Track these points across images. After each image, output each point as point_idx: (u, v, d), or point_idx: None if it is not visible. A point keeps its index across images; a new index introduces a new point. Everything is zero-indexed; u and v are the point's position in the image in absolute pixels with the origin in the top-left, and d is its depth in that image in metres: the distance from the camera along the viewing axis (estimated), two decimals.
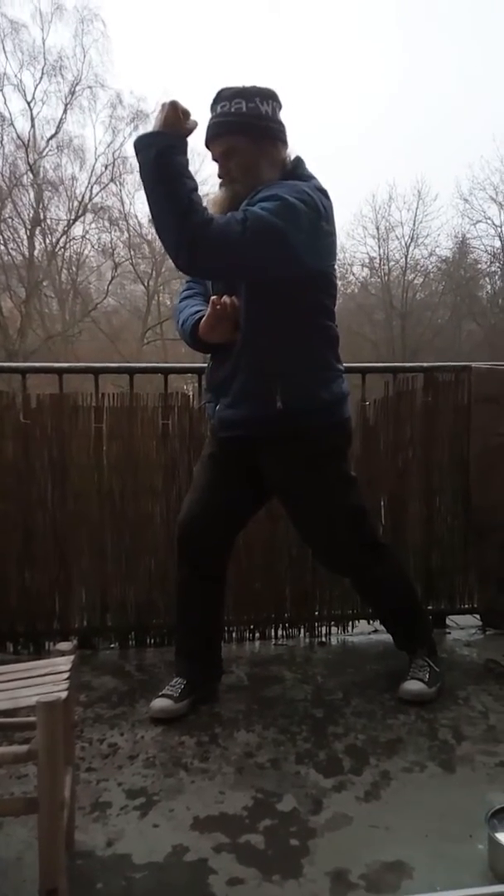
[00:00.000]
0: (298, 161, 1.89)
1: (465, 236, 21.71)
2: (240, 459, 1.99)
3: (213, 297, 1.84)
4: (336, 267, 1.98)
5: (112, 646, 2.47)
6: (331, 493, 1.99)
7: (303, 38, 33.92)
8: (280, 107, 1.86)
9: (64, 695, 1.27)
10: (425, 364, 2.67)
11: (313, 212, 1.76)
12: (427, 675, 2.08)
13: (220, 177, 1.86)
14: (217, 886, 1.37)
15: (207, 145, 1.86)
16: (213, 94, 1.83)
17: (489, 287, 22.47)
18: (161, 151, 1.68)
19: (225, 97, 1.81)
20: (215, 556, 2.11)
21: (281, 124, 1.86)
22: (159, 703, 1.98)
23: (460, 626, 2.65)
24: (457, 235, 21.99)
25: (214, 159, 1.87)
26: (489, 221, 20.91)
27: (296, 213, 1.72)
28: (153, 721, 1.95)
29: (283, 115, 1.88)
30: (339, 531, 2.03)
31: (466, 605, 2.66)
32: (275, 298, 1.82)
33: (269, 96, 1.83)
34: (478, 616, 2.65)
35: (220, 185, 1.87)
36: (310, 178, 1.86)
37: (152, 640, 2.49)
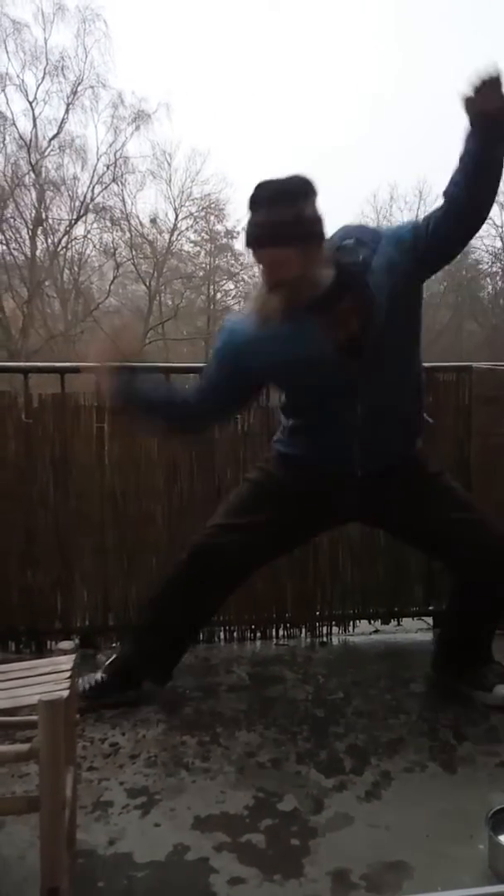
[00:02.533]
0: (332, 244, 1.80)
1: None
2: (324, 502, 1.98)
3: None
4: None
5: (114, 645, 2.47)
6: (459, 489, 2.05)
7: (303, 36, 33.89)
8: (316, 197, 1.75)
9: (65, 693, 1.27)
10: (427, 364, 2.66)
11: None
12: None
13: (267, 284, 1.77)
14: (218, 886, 1.37)
15: (251, 249, 1.78)
16: (253, 189, 1.72)
17: (490, 287, 22.47)
18: None
19: (266, 200, 1.69)
20: (242, 579, 2.11)
21: (321, 220, 1.76)
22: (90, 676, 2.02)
23: None
24: None
25: (259, 263, 1.79)
26: (490, 222, 20.90)
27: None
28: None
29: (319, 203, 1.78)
30: (489, 518, 2.00)
31: None
32: (414, 340, 1.92)
33: (308, 192, 1.73)
34: None
35: (269, 291, 1.78)
36: (353, 235, 1.82)
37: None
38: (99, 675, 2.06)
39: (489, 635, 2.11)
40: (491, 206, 1.79)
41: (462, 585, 2.09)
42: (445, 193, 1.76)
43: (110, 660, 2.10)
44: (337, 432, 1.89)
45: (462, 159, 1.72)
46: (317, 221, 1.74)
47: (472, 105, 1.66)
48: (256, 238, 1.74)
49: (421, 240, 1.78)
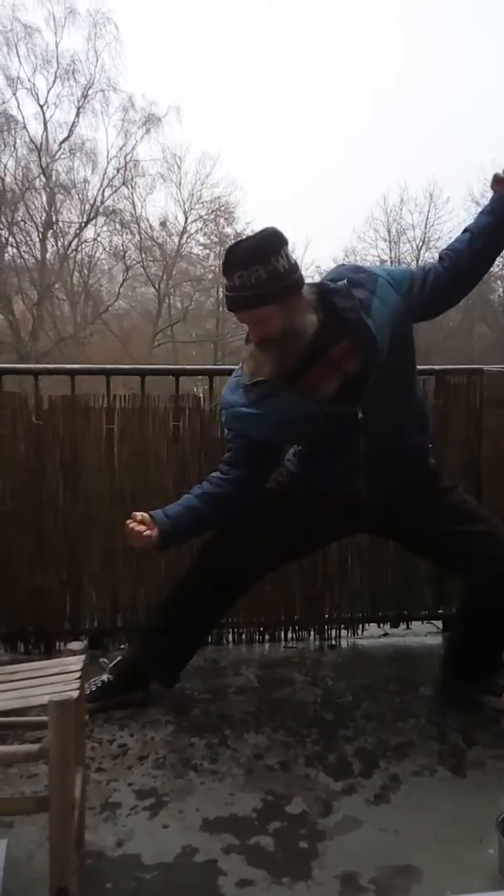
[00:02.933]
0: (320, 289, 1.81)
1: None
2: (332, 514, 1.99)
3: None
4: None
5: (122, 646, 2.47)
6: (460, 492, 2.05)
7: (310, 38, 33.95)
8: (287, 245, 1.77)
9: (75, 694, 1.27)
10: (437, 367, 2.66)
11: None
12: None
13: (257, 343, 1.79)
14: (227, 888, 1.37)
15: (233, 312, 1.80)
16: (224, 256, 1.76)
17: (501, 290, 22.38)
18: None
19: (238, 264, 1.71)
20: (250, 585, 2.12)
21: (297, 268, 1.77)
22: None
23: None
24: None
25: (243, 322, 1.82)
26: None
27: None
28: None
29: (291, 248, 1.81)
30: (490, 522, 1.99)
31: None
32: (411, 374, 1.95)
33: (279, 246, 1.72)
34: None
35: (257, 347, 1.80)
36: (340, 274, 1.82)
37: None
38: (105, 677, 2.06)
39: (500, 641, 2.09)
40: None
41: (473, 591, 2.08)
42: (449, 257, 1.85)
43: (115, 661, 2.11)
44: (342, 464, 1.91)
45: (474, 232, 1.85)
46: (291, 272, 1.74)
47: (499, 186, 1.85)
48: (235, 302, 1.76)
49: (416, 290, 1.83)
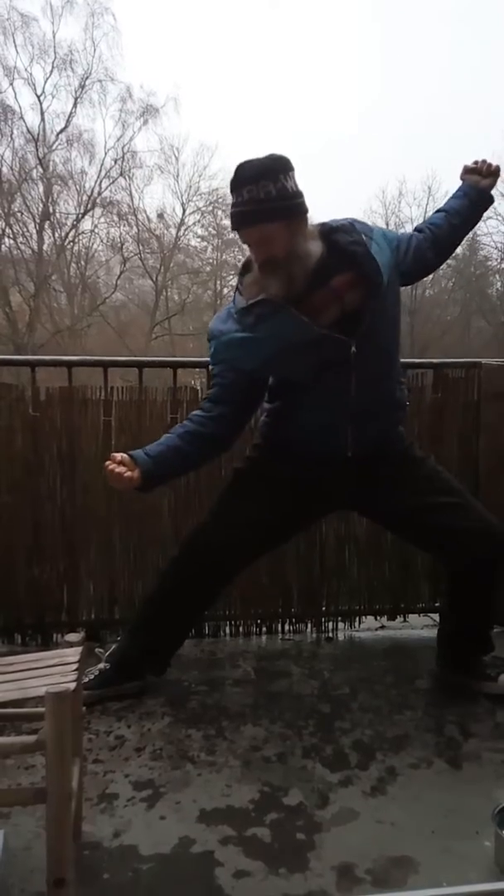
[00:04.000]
0: (323, 227, 1.84)
1: (474, 233, 21.57)
2: (313, 487, 1.98)
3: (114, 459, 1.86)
4: None
5: (119, 638, 2.47)
6: (445, 472, 2.08)
7: (308, 29, 33.77)
8: (294, 171, 1.79)
9: (72, 686, 1.27)
10: (435, 360, 2.66)
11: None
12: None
13: (258, 262, 1.79)
14: (223, 879, 1.37)
15: (236, 230, 1.80)
16: (233, 173, 1.75)
17: (499, 284, 22.41)
18: None
19: (248, 179, 1.72)
20: (236, 574, 2.12)
21: (303, 195, 1.79)
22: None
23: None
24: None
25: (246, 243, 1.82)
26: (500, 218, 20.79)
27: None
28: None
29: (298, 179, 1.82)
30: (473, 500, 2.04)
31: None
32: (398, 313, 2.01)
33: (288, 167, 1.76)
34: None
35: (261, 268, 1.79)
36: (346, 223, 1.85)
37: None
38: (102, 665, 2.07)
39: (485, 624, 2.12)
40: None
41: (452, 576, 2.10)
42: (428, 229, 2.07)
43: (110, 651, 2.12)
44: (328, 411, 1.90)
45: (449, 211, 2.09)
46: (299, 195, 1.77)
47: (470, 175, 2.13)
48: (242, 217, 1.76)
49: (402, 250, 1.98)
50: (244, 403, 1.97)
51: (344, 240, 1.80)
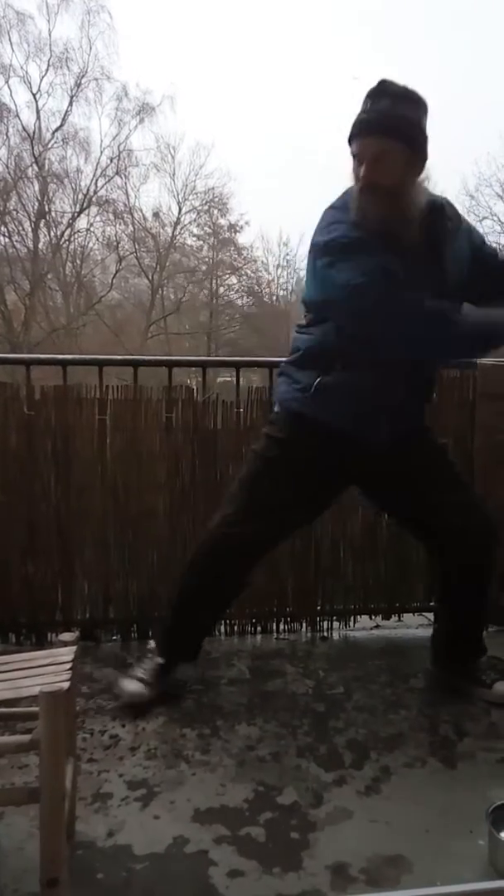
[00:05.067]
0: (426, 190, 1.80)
1: None
2: (342, 467, 1.95)
3: None
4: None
5: (114, 638, 2.47)
6: (457, 465, 2.10)
7: (306, 29, 33.79)
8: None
9: (66, 685, 1.27)
10: None
11: None
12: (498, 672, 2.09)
13: (363, 182, 1.68)
14: (217, 878, 1.37)
15: (357, 139, 1.68)
16: (375, 84, 1.66)
17: None
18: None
19: (392, 93, 1.64)
20: (258, 562, 2.09)
21: (427, 144, 1.74)
22: (133, 685, 1.96)
23: None
24: None
25: (358, 158, 1.69)
26: (495, 218, 20.80)
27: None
28: (127, 710, 1.93)
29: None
30: (477, 497, 2.06)
31: None
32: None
33: (427, 110, 1.71)
34: None
35: (362, 190, 1.70)
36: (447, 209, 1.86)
37: (159, 635, 2.49)
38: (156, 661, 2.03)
39: (479, 625, 2.12)
40: None
41: (446, 575, 2.10)
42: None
43: (154, 668, 2.03)
44: (381, 388, 1.83)
45: None
46: (427, 141, 1.72)
47: None
48: (370, 123, 1.66)
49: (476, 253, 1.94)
50: None
51: (448, 213, 1.82)
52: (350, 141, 1.72)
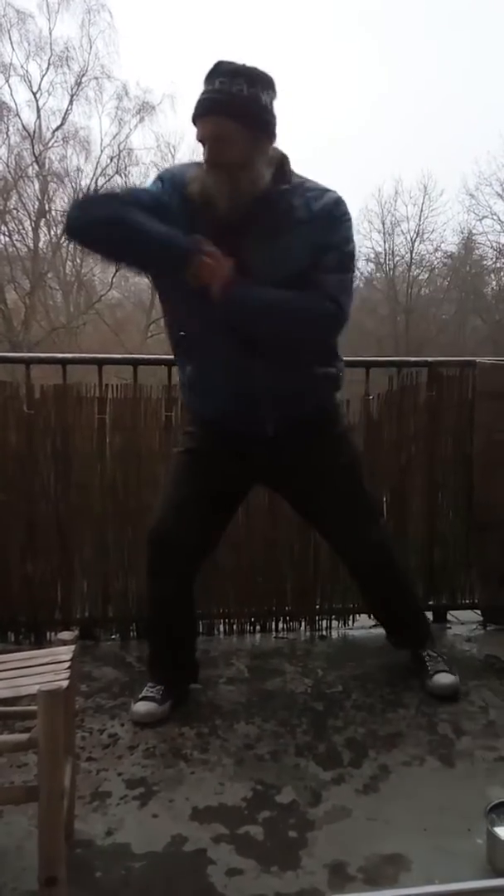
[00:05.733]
0: (286, 159, 1.80)
1: (470, 232, 21.61)
2: (241, 461, 1.93)
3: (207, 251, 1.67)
4: None
5: (113, 637, 2.47)
6: (358, 471, 2.08)
7: (304, 28, 33.77)
8: (276, 97, 1.75)
9: (65, 684, 1.27)
10: (429, 359, 2.67)
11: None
12: (447, 665, 2.10)
13: (210, 163, 1.71)
14: (216, 877, 1.37)
15: (196, 120, 1.71)
16: (211, 65, 1.68)
17: (494, 283, 22.40)
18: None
19: (225, 72, 1.66)
20: (198, 563, 2.04)
21: (275, 118, 1.75)
22: (144, 706, 1.93)
23: (461, 622, 2.65)
24: (462, 231, 21.89)
25: (201, 140, 1.71)
26: (495, 217, 20.81)
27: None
28: (137, 725, 1.90)
29: (276, 108, 1.76)
30: (370, 510, 2.09)
31: (467, 601, 2.65)
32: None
33: (269, 85, 1.72)
34: (479, 612, 2.65)
35: (206, 167, 1.72)
36: (320, 189, 1.80)
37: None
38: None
39: (394, 619, 2.22)
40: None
41: (353, 574, 2.23)
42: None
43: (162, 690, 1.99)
44: (240, 383, 1.82)
45: None
46: (270, 114, 1.72)
47: None
48: (205, 104, 1.69)
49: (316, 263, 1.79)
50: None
51: (287, 200, 1.74)
52: (193, 123, 1.74)
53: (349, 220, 1.85)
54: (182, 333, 1.89)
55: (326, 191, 1.82)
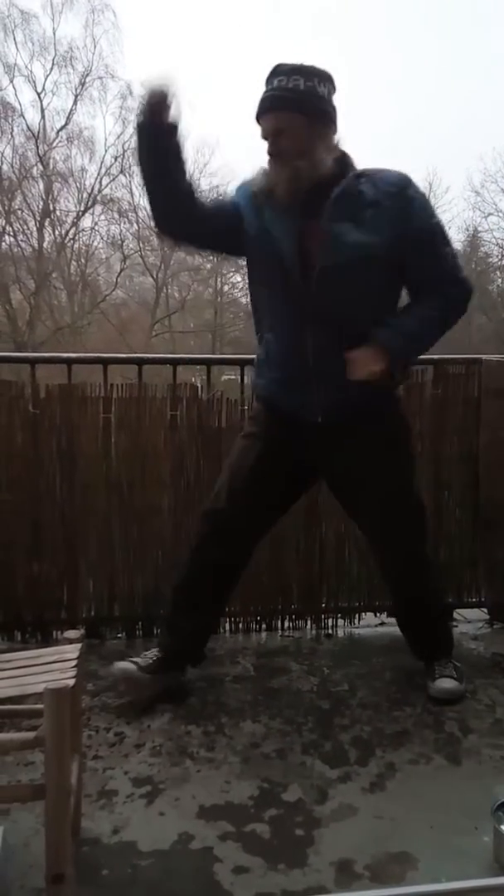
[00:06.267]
0: (345, 153, 1.85)
1: (476, 229, 21.57)
2: (300, 450, 1.95)
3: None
4: None
5: (119, 635, 2.48)
6: (408, 474, 2.03)
7: (308, 27, 33.70)
8: (335, 90, 1.83)
9: (71, 682, 1.27)
10: (435, 356, 2.65)
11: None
12: (454, 672, 2.07)
13: (269, 154, 1.80)
14: (222, 874, 1.37)
15: (259, 119, 1.81)
16: (271, 68, 1.79)
17: (500, 281, 22.36)
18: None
19: (283, 72, 1.76)
20: (249, 547, 2.08)
21: (335, 108, 1.82)
22: (122, 663, 1.98)
23: (467, 620, 2.64)
24: (468, 228, 21.85)
25: (264, 136, 1.81)
26: (501, 214, 20.77)
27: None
28: (120, 683, 1.95)
29: (336, 100, 1.84)
30: (417, 518, 2.04)
31: (474, 599, 2.65)
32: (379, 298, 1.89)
33: (326, 78, 1.79)
34: (485, 610, 2.65)
35: (270, 161, 1.82)
36: (385, 170, 1.86)
37: (159, 631, 2.49)
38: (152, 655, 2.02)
39: (421, 631, 2.16)
40: None
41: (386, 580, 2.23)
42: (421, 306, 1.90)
43: (154, 658, 2.02)
44: (292, 362, 1.87)
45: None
46: (329, 103, 1.79)
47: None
48: (265, 102, 1.78)
49: (409, 248, 1.83)
50: (210, 227, 1.93)
51: (355, 187, 1.79)
52: (257, 122, 1.83)
53: (422, 194, 1.90)
54: (257, 309, 2.00)
55: (390, 171, 1.86)
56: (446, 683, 2.03)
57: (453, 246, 1.96)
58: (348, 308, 1.82)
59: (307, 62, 1.79)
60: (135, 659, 2.01)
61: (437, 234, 1.87)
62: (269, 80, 1.78)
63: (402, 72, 33.64)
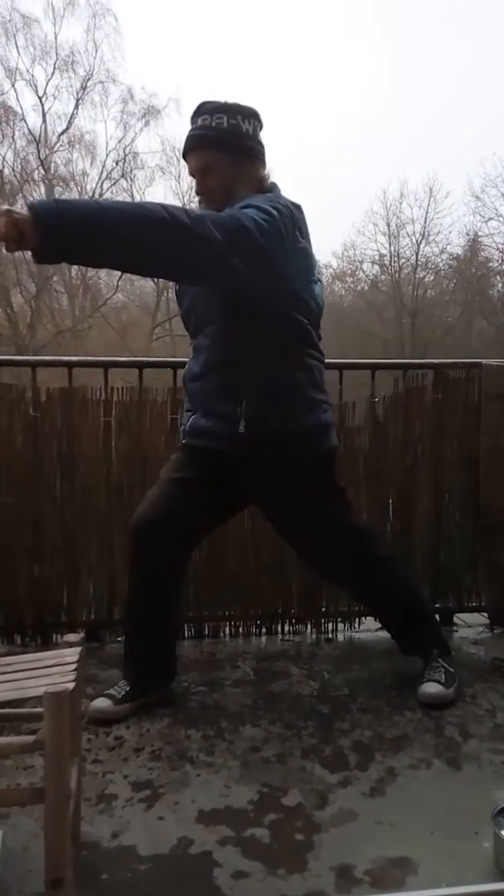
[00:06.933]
0: (274, 185, 1.89)
1: (476, 234, 21.58)
2: (213, 467, 1.94)
3: None
4: (315, 292, 1.91)
5: (119, 639, 2.47)
6: (321, 512, 1.98)
7: (310, 30, 33.81)
8: (261, 127, 1.88)
9: (71, 686, 1.27)
10: (435, 360, 2.67)
11: (288, 220, 1.76)
12: (443, 676, 2.05)
13: (197, 193, 1.87)
14: (222, 879, 1.37)
15: (185, 157, 1.87)
16: (195, 107, 1.84)
17: (500, 285, 22.36)
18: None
19: (206, 111, 1.82)
20: (180, 557, 2.03)
21: (261, 144, 1.87)
22: (98, 702, 1.92)
23: (468, 624, 2.65)
24: (468, 233, 21.88)
25: (191, 174, 1.88)
26: (501, 219, 20.78)
27: (274, 219, 1.70)
28: (90, 722, 1.86)
29: (264, 136, 1.89)
30: (335, 547, 2.02)
31: (474, 603, 2.65)
32: (251, 319, 1.81)
33: (250, 115, 1.84)
34: (485, 614, 2.65)
35: (199, 201, 1.89)
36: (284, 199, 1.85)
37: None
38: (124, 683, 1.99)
39: (414, 633, 2.17)
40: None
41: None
42: None
43: (126, 690, 1.98)
44: (204, 374, 1.91)
45: None
46: (252, 139, 1.83)
47: None
48: (188, 141, 1.83)
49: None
50: None
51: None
52: (184, 159, 1.89)
53: (274, 199, 1.78)
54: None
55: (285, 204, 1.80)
56: (431, 688, 2.02)
57: (268, 216, 1.71)
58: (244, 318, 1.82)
59: (232, 101, 1.84)
60: (110, 692, 1.96)
61: (259, 206, 1.72)
62: (193, 118, 1.83)
63: (402, 76, 33.75)
